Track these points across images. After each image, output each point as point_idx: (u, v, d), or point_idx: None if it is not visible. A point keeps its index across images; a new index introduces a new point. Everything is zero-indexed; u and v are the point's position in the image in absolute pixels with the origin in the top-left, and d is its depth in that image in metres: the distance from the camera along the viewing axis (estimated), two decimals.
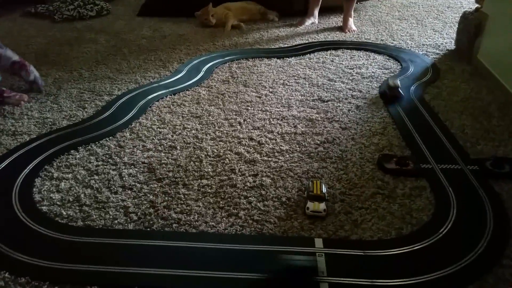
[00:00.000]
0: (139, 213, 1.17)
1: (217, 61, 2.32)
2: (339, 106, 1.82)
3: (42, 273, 0.96)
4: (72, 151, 1.45)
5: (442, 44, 2.63)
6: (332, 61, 2.32)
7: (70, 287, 0.92)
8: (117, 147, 1.49)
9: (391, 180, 1.34)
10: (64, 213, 1.16)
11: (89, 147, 1.49)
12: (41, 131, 1.59)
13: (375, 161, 1.43)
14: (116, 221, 1.14)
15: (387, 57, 2.43)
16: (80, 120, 1.69)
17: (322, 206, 1.17)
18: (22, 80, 1.91)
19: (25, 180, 1.29)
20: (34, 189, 1.26)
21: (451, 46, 2.57)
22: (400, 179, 1.34)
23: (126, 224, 1.13)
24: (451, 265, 1.01)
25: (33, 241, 1.06)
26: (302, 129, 1.63)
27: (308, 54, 2.42)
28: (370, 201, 1.24)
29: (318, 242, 1.07)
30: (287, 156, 1.46)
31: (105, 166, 1.38)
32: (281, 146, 1.52)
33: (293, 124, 1.67)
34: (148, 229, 1.12)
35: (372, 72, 2.20)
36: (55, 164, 1.38)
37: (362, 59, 2.37)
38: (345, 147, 1.51)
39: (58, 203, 1.20)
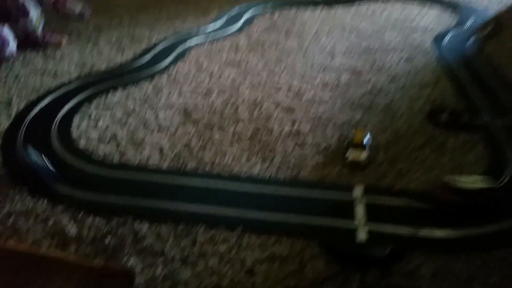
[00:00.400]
0: (173, 153, 1.15)
1: (258, 9, 2.23)
2: (387, 57, 1.69)
3: (78, 202, 0.96)
4: (110, 93, 1.44)
5: None
6: (382, 12, 2.17)
7: (104, 216, 0.91)
8: (154, 91, 1.47)
9: (441, 133, 1.23)
10: (101, 149, 1.16)
11: (127, 89, 1.47)
12: (80, 73, 1.58)
13: (424, 114, 1.32)
14: (151, 160, 1.12)
15: (443, 9, 2.24)
16: (119, 64, 1.67)
17: (363, 154, 1.10)
18: (67, 15, 1.89)
19: (64, 117, 1.30)
20: (73, 126, 1.26)
21: None
22: (452, 133, 1.23)
23: (161, 163, 1.11)
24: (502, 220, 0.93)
25: (70, 173, 1.07)
26: (345, 80, 1.53)
27: (357, 4, 2.27)
28: (418, 152, 1.15)
29: (358, 190, 1.01)
30: (328, 105, 1.38)
31: (142, 108, 1.36)
32: (322, 95, 1.44)
33: (336, 74, 1.57)
34: (182, 169, 1.09)
35: (426, 23, 2.04)
36: (93, 103, 1.38)
37: (416, 10, 2.20)
38: (392, 98, 1.41)
39: (95, 140, 1.20)
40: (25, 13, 1.71)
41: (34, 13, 1.73)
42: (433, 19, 2.10)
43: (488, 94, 1.44)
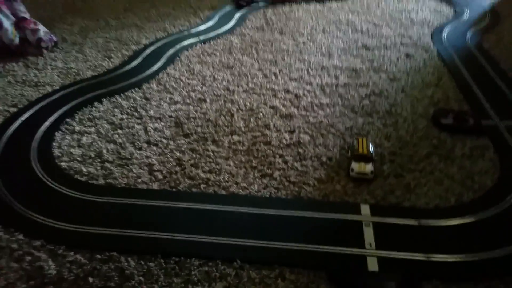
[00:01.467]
0: (164, 172, 1.06)
1: (250, 6, 2.13)
2: (386, 54, 1.62)
3: (58, 235, 0.88)
4: (95, 103, 1.35)
5: None
6: (377, 4, 2.09)
7: (88, 252, 0.83)
8: (143, 100, 1.38)
9: (448, 138, 1.17)
10: (85, 170, 1.07)
11: (114, 99, 1.38)
12: (64, 82, 1.49)
13: (429, 116, 1.25)
14: (139, 180, 1.04)
15: (439, 1, 2.16)
16: (106, 70, 1.58)
17: (369, 167, 1.02)
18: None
19: (45, 134, 1.21)
20: (54, 144, 1.17)
21: None
22: (458, 137, 1.17)
23: (151, 183, 1.03)
24: None
25: (50, 200, 0.98)
26: (344, 80, 1.45)
27: None
28: (425, 162, 1.08)
29: (365, 209, 0.93)
30: (328, 110, 1.30)
31: (130, 120, 1.27)
32: (321, 99, 1.36)
33: (334, 74, 1.50)
34: (174, 189, 1.01)
35: (423, 17, 1.96)
36: (77, 117, 1.29)
37: (411, 3, 2.12)
38: (394, 101, 1.33)
39: (78, 158, 1.11)
40: None
41: (8, 24, 1.63)
42: (430, 11, 2.02)
43: (491, 92, 1.37)
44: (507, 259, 0.82)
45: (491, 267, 0.81)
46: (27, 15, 1.74)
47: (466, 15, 2.00)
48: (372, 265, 0.80)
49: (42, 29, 1.73)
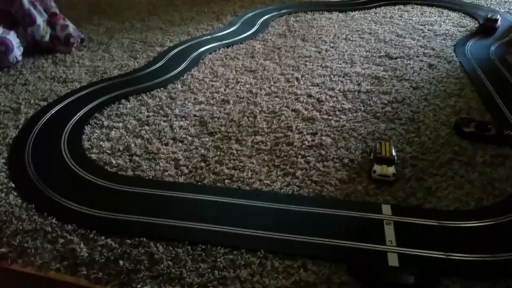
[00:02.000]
0: (190, 167, 1.09)
1: (273, 14, 2.18)
2: (409, 64, 1.63)
3: (89, 221, 0.91)
4: (123, 101, 1.39)
5: None
6: (400, 16, 2.11)
7: (118, 237, 0.86)
8: (168, 99, 1.42)
9: (469, 146, 1.17)
10: (114, 162, 1.11)
11: (140, 97, 1.42)
12: (92, 80, 1.54)
13: (451, 125, 1.26)
14: (166, 173, 1.07)
15: (463, 14, 2.18)
16: (132, 70, 1.62)
17: (391, 169, 1.04)
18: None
19: (75, 127, 1.25)
20: (84, 137, 1.21)
21: None
22: (480, 146, 1.17)
23: (177, 177, 1.06)
24: None
25: (81, 188, 1.02)
26: (367, 87, 1.47)
27: (374, 8, 2.22)
28: (446, 167, 1.09)
29: (386, 209, 0.95)
30: (350, 115, 1.32)
31: (156, 117, 1.31)
32: (343, 104, 1.38)
33: (356, 81, 1.52)
34: (200, 183, 1.04)
35: (446, 29, 1.97)
36: (105, 112, 1.33)
37: (435, 16, 2.14)
38: (416, 108, 1.35)
39: (108, 151, 1.15)
40: (32, 21, 1.68)
41: (41, 21, 1.70)
42: (454, 24, 2.03)
43: None
44: None
45: (509, 267, 0.82)
46: (57, 11, 1.81)
47: None
48: (393, 260, 0.82)
49: (71, 26, 1.79)
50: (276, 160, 1.13)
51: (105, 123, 1.27)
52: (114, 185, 1.02)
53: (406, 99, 1.39)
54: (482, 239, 0.88)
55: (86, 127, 1.26)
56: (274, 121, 1.30)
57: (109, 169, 1.08)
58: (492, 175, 1.07)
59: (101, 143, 1.18)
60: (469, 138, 1.20)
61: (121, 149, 1.16)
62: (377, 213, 0.94)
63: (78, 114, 1.31)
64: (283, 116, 1.32)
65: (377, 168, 1.04)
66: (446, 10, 2.23)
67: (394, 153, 1.08)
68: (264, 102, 1.40)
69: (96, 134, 1.22)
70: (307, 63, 1.66)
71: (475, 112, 1.34)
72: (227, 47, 1.82)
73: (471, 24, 2.06)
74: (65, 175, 1.06)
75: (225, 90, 1.48)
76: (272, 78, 1.55)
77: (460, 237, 0.89)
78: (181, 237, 0.86)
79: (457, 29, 1.98)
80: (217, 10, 2.25)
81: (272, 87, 1.49)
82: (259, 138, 1.22)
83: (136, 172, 1.07)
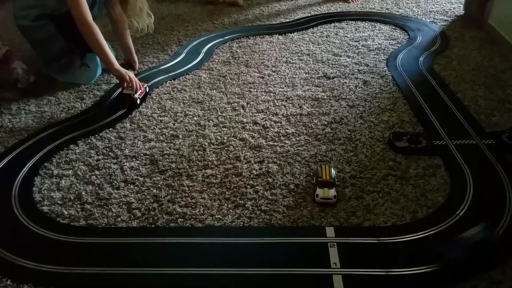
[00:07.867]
0: (142, 209, 1.13)
1: (217, 41, 2.24)
2: (345, 82, 1.74)
3: (46, 279, 0.92)
4: (71, 146, 1.41)
5: (450, 10, 2.52)
6: (336, 34, 2.23)
7: None
8: (118, 139, 1.44)
9: (403, 159, 1.28)
10: (66, 212, 1.12)
11: (89, 140, 1.44)
12: (39, 126, 1.54)
13: (385, 140, 1.37)
14: (119, 219, 1.10)
15: (394, 27, 2.33)
16: (79, 112, 1.63)
17: (332, 192, 1.12)
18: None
19: (25, 179, 1.25)
20: (34, 189, 1.22)
21: (460, 11, 2.46)
22: (412, 158, 1.28)
23: (130, 222, 1.09)
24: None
25: (35, 244, 1.03)
26: (308, 110, 1.56)
27: (311, 28, 2.33)
28: (382, 183, 1.18)
29: (330, 231, 1.02)
30: (294, 139, 1.40)
31: (106, 160, 1.33)
32: (287, 129, 1.46)
33: (298, 104, 1.60)
34: (153, 226, 1.08)
35: (379, 43, 2.11)
36: (54, 160, 1.34)
37: (368, 30, 2.28)
38: (353, 127, 1.45)
39: (59, 202, 1.16)
40: None
41: None
42: (386, 37, 2.17)
43: (442, 113, 1.49)
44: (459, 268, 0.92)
45: (446, 275, 0.91)
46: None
47: (418, 40, 2.15)
48: (338, 283, 0.89)
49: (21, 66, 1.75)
50: (227, 193, 1.18)
51: (55, 172, 1.28)
52: (68, 237, 1.04)
53: (343, 119, 1.49)
54: (418, 252, 0.97)
55: (36, 178, 1.26)
56: (223, 153, 1.35)
57: (61, 221, 1.10)
58: (425, 187, 1.17)
59: (52, 193, 1.20)
60: (402, 152, 1.30)
61: (72, 198, 1.18)
62: (321, 236, 1.01)
63: (27, 165, 1.31)
64: (231, 146, 1.38)
65: (320, 191, 1.12)
66: (378, 23, 2.38)
67: (334, 175, 1.17)
68: (212, 134, 1.45)
69: (47, 184, 1.23)
70: (252, 90, 1.73)
71: (408, 125, 1.45)
72: (174, 79, 1.86)
73: (401, 36, 2.21)
74: (18, 232, 1.07)
75: (174, 124, 1.52)
76: (219, 108, 1.61)
77: (397, 252, 0.97)
78: (138, 285, 0.89)
79: (389, 42, 2.12)
80: (162, 40, 2.29)
81: (220, 117, 1.55)
82: (209, 171, 1.27)
83: (88, 221, 1.09)
